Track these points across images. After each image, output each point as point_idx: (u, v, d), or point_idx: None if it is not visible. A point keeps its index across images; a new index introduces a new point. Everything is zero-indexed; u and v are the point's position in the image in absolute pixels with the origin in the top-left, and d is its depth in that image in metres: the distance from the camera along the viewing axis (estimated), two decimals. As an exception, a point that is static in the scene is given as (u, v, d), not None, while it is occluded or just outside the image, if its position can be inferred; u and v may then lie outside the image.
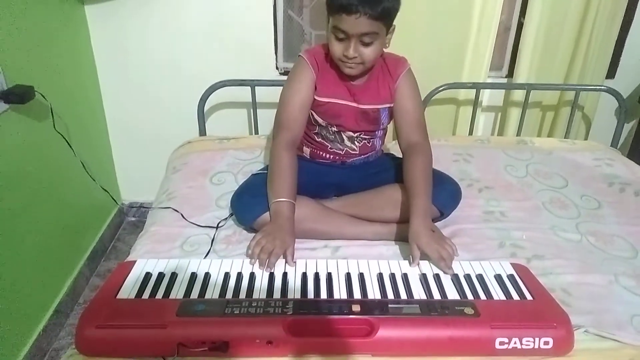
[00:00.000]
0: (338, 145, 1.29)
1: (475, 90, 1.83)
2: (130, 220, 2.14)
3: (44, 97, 1.41)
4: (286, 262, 1.04)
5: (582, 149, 1.72)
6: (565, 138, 1.87)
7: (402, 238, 1.18)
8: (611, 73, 1.99)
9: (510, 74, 1.96)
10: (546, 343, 0.85)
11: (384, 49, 1.19)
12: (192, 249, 1.15)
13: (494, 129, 2.10)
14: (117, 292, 0.93)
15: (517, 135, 1.88)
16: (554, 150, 1.70)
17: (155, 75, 1.88)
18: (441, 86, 1.80)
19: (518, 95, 1.92)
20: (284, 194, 1.12)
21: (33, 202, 1.44)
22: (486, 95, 2.01)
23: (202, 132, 1.78)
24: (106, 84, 1.89)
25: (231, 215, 1.25)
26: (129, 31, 1.79)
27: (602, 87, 1.82)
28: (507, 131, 2.00)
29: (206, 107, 1.78)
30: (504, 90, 1.98)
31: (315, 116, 1.25)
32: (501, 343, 0.85)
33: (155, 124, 1.98)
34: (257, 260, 1.03)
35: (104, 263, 1.87)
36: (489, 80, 1.94)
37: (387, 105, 1.26)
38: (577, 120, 1.96)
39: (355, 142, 1.29)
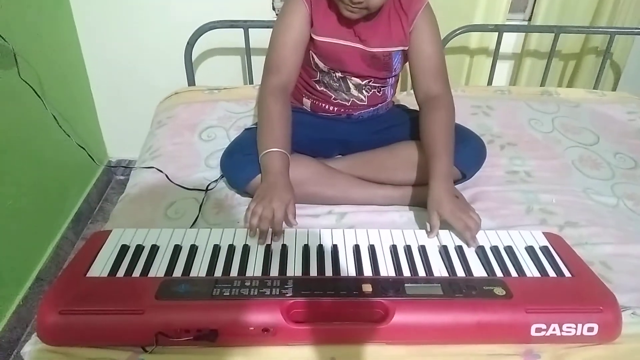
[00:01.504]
0: (343, 94, 1.12)
1: (493, 35, 1.63)
2: (119, 179, 2.00)
3: (4, 40, 1.22)
4: (286, 222, 0.90)
5: (613, 101, 1.56)
6: (594, 89, 1.69)
7: (417, 203, 1.04)
8: (647, 15, 1.78)
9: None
10: (590, 329, 0.73)
11: None
12: (177, 216, 1.01)
13: (510, 80, 1.91)
14: (88, 269, 0.79)
15: (541, 86, 1.70)
16: (581, 102, 1.54)
17: (140, 16, 1.67)
18: (459, 29, 1.60)
19: (534, 42, 1.72)
20: (272, 144, 0.96)
21: (4, 162, 1.29)
22: (502, 42, 1.80)
23: (191, 81, 1.60)
24: (84, 26, 1.69)
25: (222, 176, 1.10)
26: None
27: (642, 30, 1.62)
28: (521, 83, 1.81)
29: (195, 54, 1.59)
30: (521, 38, 1.77)
31: (316, 59, 1.08)
32: (538, 330, 0.72)
33: (142, 72, 1.79)
34: (258, 233, 0.87)
35: (90, 225, 1.75)
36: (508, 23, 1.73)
37: (401, 48, 1.08)
38: (604, 69, 1.77)
39: (364, 91, 1.12)
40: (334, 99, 1.13)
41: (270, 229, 0.88)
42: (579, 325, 0.72)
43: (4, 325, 1.27)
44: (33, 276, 1.42)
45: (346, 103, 1.14)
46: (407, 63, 1.11)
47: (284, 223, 0.90)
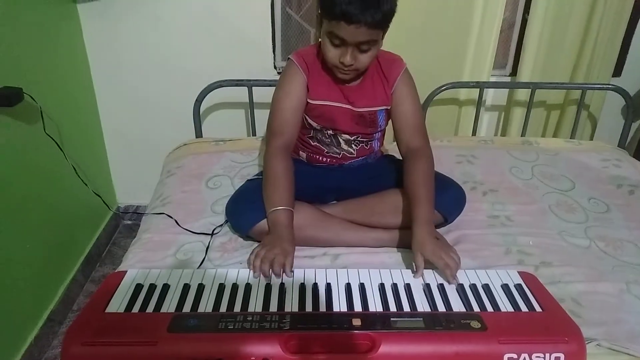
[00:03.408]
0: (334, 148, 1.25)
1: (478, 89, 1.78)
2: (127, 224, 2.10)
3: (33, 99, 1.37)
4: (284, 272, 0.99)
5: (589, 150, 1.68)
6: (571, 138, 1.82)
7: (405, 245, 1.13)
8: (617, 71, 1.94)
9: (514, 72, 1.91)
10: (557, 359, 0.81)
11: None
12: (185, 258, 1.10)
13: (497, 129, 2.05)
14: (106, 306, 0.89)
15: (521, 136, 1.83)
16: (559, 151, 1.66)
17: (151, 74, 1.84)
18: (443, 85, 1.75)
19: (522, 94, 1.88)
20: (280, 202, 1.08)
21: (23, 208, 1.40)
22: (489, 95, 1.96)
23: (198, 133, 1.74)
24: (100, 85, 1.85)
25: (227, 221, 1.21)
26: (122, 30, 1.75)
27: (610, 86, 1.77)
28: (511, 131, 1.95)
29: (202, 108, 1.73)
30: (507, 90, 1.93)
31: (310, 120, 1.21)
32: (510, 359, 0.80)
33: (152, 125, 1.93)
34: (260, 272, 0.98)
35: (99, 268, 1.83)
36: (493, 79, 1.89)
37: (384, 107, 1.21)
38: (582, 120, 1.91)
39: (353, 145, 1.25)
40: (327, 152, 1.26)
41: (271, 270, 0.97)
42: (547, 355, 0.80)
43: (16, 364, 1.34)
44: (44, 317, 1.49)
45: (337, 156, 1.26)
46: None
47: (281, 270, 0.98)
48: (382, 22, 1.02)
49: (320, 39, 1.11)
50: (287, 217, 1.07)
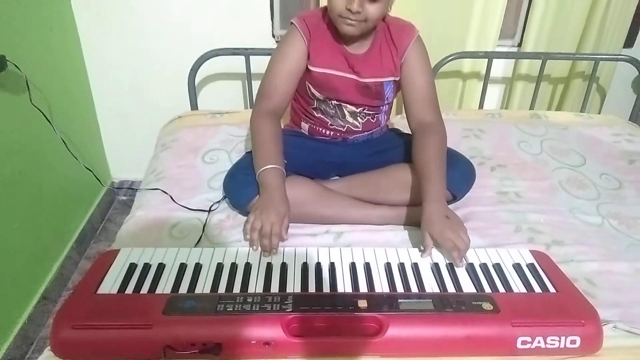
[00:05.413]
0: (339, 121, 1.19)
1: (485, 60, 1.70)
2: (122, 200, 2.04)
3: (17, 68, 1.29)
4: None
5: (600, 124, 1.62)
6: (581, 112, 1.76)
7: (411, 222, 1.09)
8: (628, 42, 1.86)
9: (520, 43, 1.83)
10: (573, 342, 0.77)
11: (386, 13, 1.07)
12: (182, 236, 1.05)
13: (502, 103, 1.98)
14: (98, 287, 0.84)
15: (529, 109, 1.77)
16: (569, 125, 1.60)
17: (144, 42, 1.75)
18: (450, 56, 1.67)
19: (526, 66, 1.80)
20: (266, 161, 1.03)
21: (12, 183, 1.33)
22: (493, 67, 1.88)
23: (194, 105, 1.66)
24: (90, 54, 1.76)
25: (224, 197, 1.15)
26: (112, -4, 1.65)
27: (624, 57, 1.70)
28: (513, 105, 1.88)
29: (198, 79, 1.66)
30: (512, 62, 1.85)
31: (312, 89, 1.14)
32: (523, 342, 0.77)
33: (146, 97, 1.85)
34: (260, 248, 0.94)
35: (93, 245, 1.78)
36: (498, 50, 1.81)
37: (392, 78, 1.14)
38: (590, 93, 1.84)
39: (358, 118, 1.18)
40: (330, 124, 1.19)
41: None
42: (562, 338, 0.77)
43: (9, 344, 1.30)
44: (38, 295, 1.45)
45: (342, 129, 1.20)
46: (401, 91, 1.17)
47: (278, 242, 0.95)
48: None
49: None
50: (276, 175, 1.02)
